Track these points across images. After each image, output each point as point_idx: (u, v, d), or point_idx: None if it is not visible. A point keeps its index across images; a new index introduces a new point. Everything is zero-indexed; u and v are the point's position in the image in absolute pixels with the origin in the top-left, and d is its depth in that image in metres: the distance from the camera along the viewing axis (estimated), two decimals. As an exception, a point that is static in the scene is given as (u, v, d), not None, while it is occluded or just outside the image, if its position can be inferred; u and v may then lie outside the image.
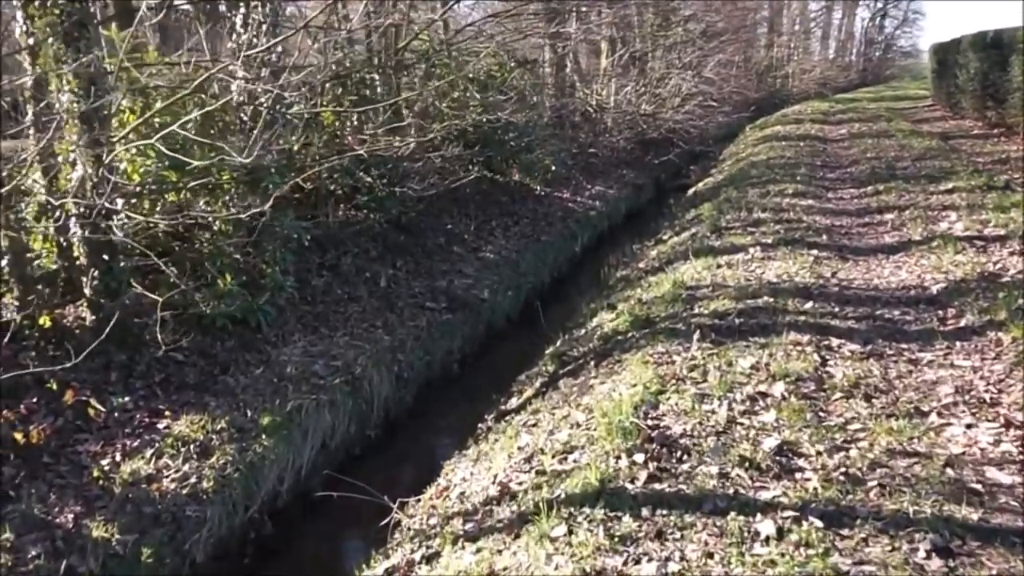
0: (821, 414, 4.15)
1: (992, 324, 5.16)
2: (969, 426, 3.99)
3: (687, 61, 21.02)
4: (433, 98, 12.18)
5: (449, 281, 10.03)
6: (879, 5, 53.17)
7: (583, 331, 7.03)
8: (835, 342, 5.11)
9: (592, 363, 5.66)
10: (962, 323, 5.31)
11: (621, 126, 19.09)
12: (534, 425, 5.04)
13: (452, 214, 12.34)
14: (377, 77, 11.51)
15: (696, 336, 5.23)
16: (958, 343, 5.02)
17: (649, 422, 4.14)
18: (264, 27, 8.40)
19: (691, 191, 15.60)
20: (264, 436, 6.05)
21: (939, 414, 4.14)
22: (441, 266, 10.53)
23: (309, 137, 9.80)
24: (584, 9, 18.05)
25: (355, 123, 10.71)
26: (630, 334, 5.85)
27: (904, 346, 5.06)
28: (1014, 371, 4.53)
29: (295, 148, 9.29)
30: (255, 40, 8.66)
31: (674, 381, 4.64)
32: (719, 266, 7.26)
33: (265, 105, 8.47)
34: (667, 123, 19.57)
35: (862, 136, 17.70)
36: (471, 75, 13.51)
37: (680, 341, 5.30)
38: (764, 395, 4.35)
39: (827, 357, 4.90)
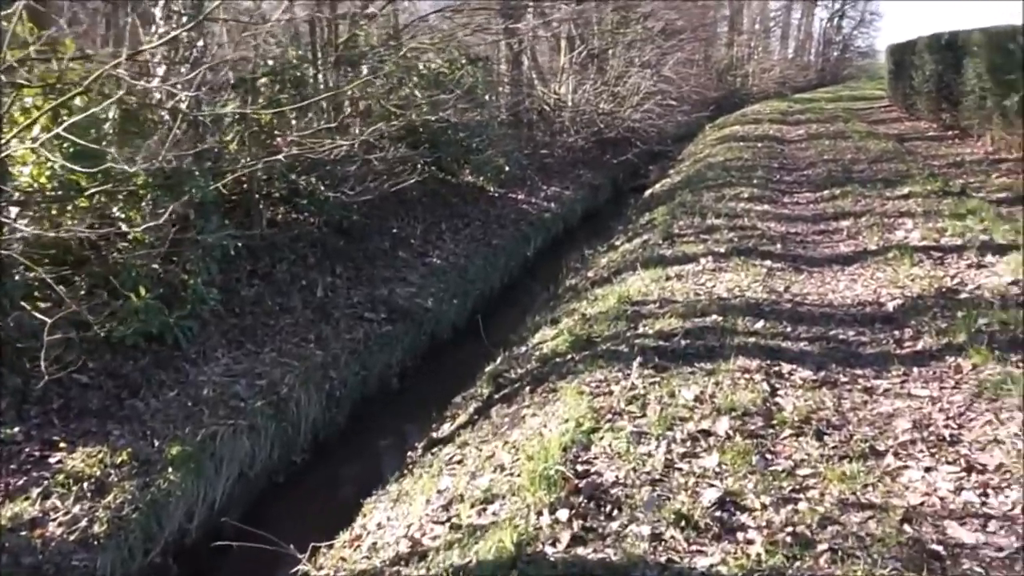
0: (768, 456, 3.73)
1: (951, 348, 4.79)
2: (928, 469, 3.59)
3: (646, 59, 20.65)
4: (379, 96, 11.64)
5: (391, 289, 9.51)
6: (837, 6, 53.51)
7: (524, 348, 6.57)
8: (786, 368, 4.70)
9: (527, 389, 5.20)
10: (919, 346, 4.94)
11: (579, 125, 18.65)
12: (459, 462, 4.57)
13: (399, 217, 11.80)
14: (320, 74, 10.93)
15: (637, 362, 4.79)
16: (915, 369, 4.64)
17: (579, 467, 3.69)
18: (184, 19, 7.82)
19: (648, 192, 15.23)
20: (171, 469, 5.49)
21: (896, 454, 3.74)
22: (384, 273, 10.00)
23: (242, 137, 9.22)
24: (542, 5, 17.59)
25: (293, 123, 10.13)
26: (569, 356, 5.40)
27: (859, 372, 4.67)
28: (974, 403, 4.15)
29: (221, 149, 8.71)
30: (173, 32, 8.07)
31: (610, 416, 4.19)
32: (668, 278, 6.84)
33: (185, 103, 7.88)
34: (626, 122, 19.19)
35: (819, 137, 17.48)
36: (420, 72, 12.99)
37: (621, 366, 4.86)
38: (707, 433, 3.92)
39: (777, 386, 4.49)
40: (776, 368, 4.70)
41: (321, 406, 7.20)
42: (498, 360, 6.72)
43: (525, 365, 5.86)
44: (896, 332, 5.22)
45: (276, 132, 8.91)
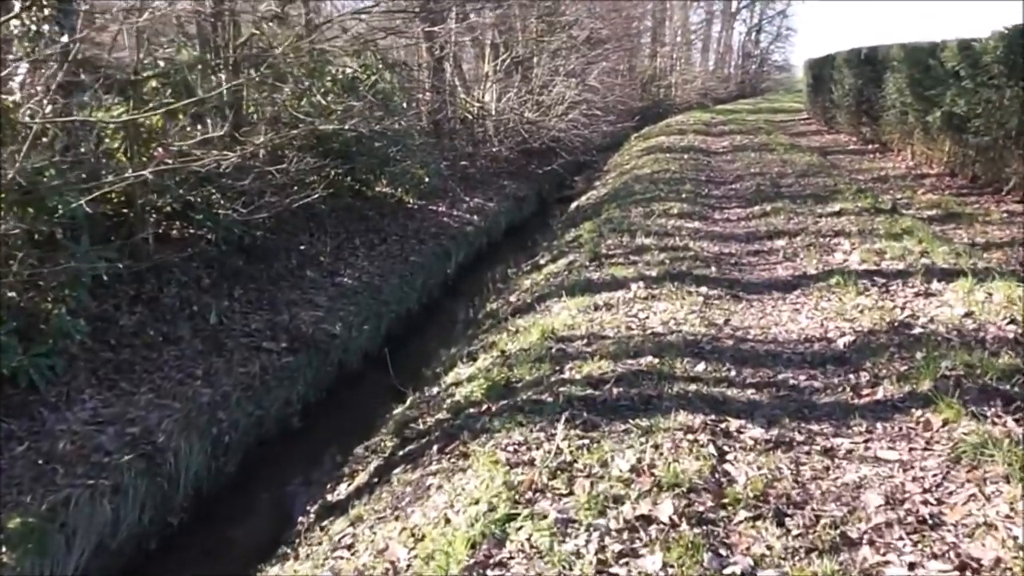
0: (722, 552, 3.00)
1: (915, 397, 4.18)
2: (912, 566, 2.92)
3: (571, 68, 20.07)
4: (286, 103, 10.65)
5: (295, 314, 8.53)
6: (755, 20, 54.44)
7: (436, 389, 5.74)
8: (734, 424, 4.00)
9: (435, 448, 4.37)
10: (880, 394, 4.31)
11: (503, 134, 17.92)
12: (350, 547, 3.71)
13: (309, 232, 10.80)
14: (218, 78, 9.87)
15: (563, 420, 4.02)
16: (879, 424, 4.00)
17: (490, 573, 2.89)
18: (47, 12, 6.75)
19: (574, 205, 14.58)
20: (8, 546, 4.48)
21: (871, 543, 3.06)
22: (289, 295, 9.00)
23: (128, 147, 8.14)
24: (463, 9, 16.79)
25: (188, 131, 9.05)
26: (485, 407, 4.59)
27: (815, 428, 4.01)
28: (952, 470, 3.52)
29: (97, 160, 7.62)
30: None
31: (531, 494, 3.40)
32: (597, 308, 6.11)
33: (49, 107, 6.79)
34: (551, 132, 18.52)
35: (744, 149, 17.18)
36: (333, 77, 12.03)
37: (544, 423, 4.08)
38: (648, 520, 3.17)
39: (726, 448, 3.77)
40: (723, 424, 3.99)
41: (206, 455, 6.20)
42: (407, 403, 5.86)
43: (435, 414, 5.03)
44: (851, 376, 4.59)
45: (163, 142, 7.85)
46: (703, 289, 6.40)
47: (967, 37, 11.16)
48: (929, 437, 3.82)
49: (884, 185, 12.19)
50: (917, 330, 5.12)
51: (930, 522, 3.18)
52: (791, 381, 4.58)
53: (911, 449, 3.75)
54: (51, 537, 4.78)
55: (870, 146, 17.14)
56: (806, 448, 3.81)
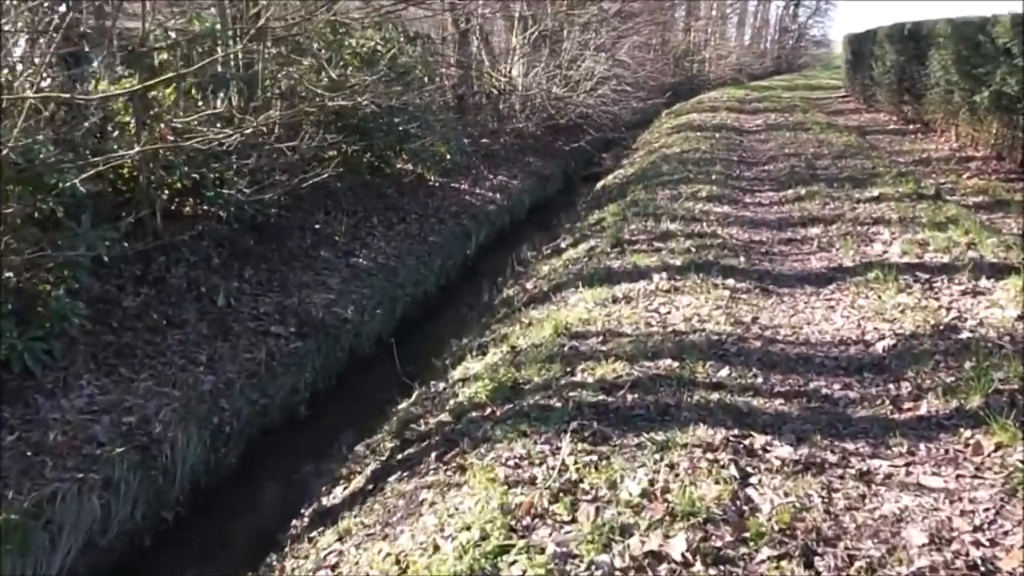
0: (742, 599, 2.63)
1: (964, 415, 3.74)
2: (962, 624, 2.54)
3: (601, 42, 19.44)
4: (303, 76, 10.28)
5: (307, 296, 8.24)
6: (793, -6, 52.84)
7: (443, 385, 5.39)
8: (759, 440, 3.60)
9: (433, 455, 4.03)
10: (923, 409, 3.88)
11: (529, 110, 17.42)
12: (333, 567, 3.40)
13: (326, 210, 10.48)
14: (232, 51, 9.53)
15: (570, 432, 3.65)
16: (922, 445, 3.58)
17: (477, 619, 2.56)
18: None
19: (600, 184, 14.09)
20: (-12, 545, 4.25)
21: (915, 592, 2.68)
22: (301, 276, 8.70)
23: (138, 123, 7.85)
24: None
25: (199, 106, 8.73)
26: (489, 410, 4.24)
27: (850, 447, 3.60)
28: (1006, 505, 3.10)
29: (102, 136, 7.36)
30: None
31: (529, 519, 3.05)
32: (616, 300, 5.70)
33: (48, 81, 6.51)
34: (578, 108, 17.97)
35: (779, 128, 16.52)
36: (353, 50, 11.62)
37: (549, 433, 3.72)
38: (657, 557, 2.80)
39: (749, 470, 3.38)
40: (747, 441, 3.60)
41: (205, 446, 5.94)
42: (413, 397, 5.53)
43: (438, 414, 4.68)
44: (891, 386, 4.15)
45: (166, 118, 7.53)
46: (730, 281, 5.96)
47: (1020, 12, 10.45)
48: (979, 463, 3.40)
49: (926, 168, 11.56)
50: (965, 334, 4.65)
51: (982, 568, 2.77)
52: (824, 390, 4.16)
53: (959, 476, 3.33)
54: (35, 535, 4.55)
55: (911, 126, 16.38)
56: (839, 471, 3.40)
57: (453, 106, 15.82)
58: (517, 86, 17.55)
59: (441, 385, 5.38)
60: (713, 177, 10.57)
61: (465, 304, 9.29)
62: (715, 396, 4.03)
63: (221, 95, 9.34)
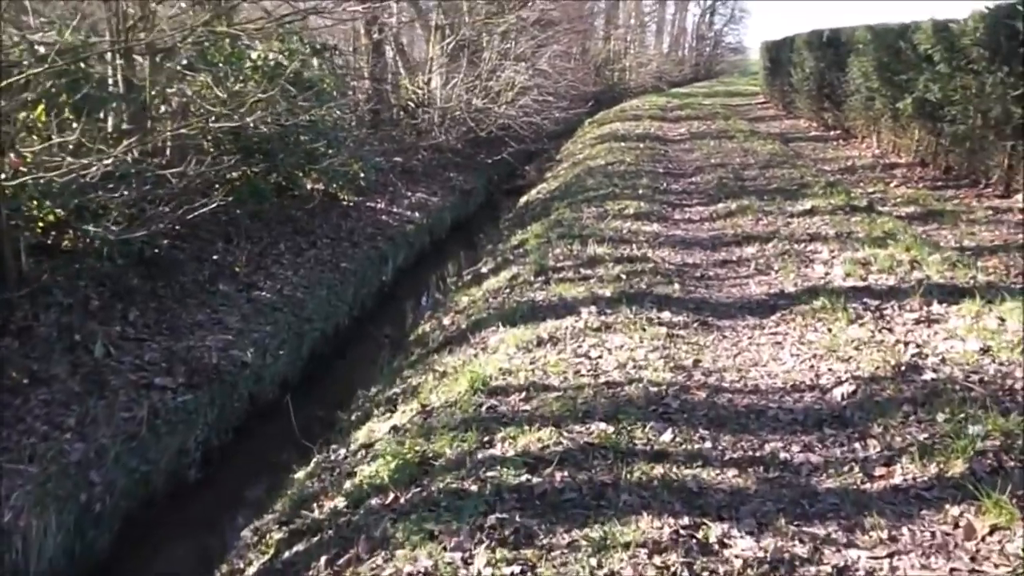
0: None
1: (946, 484, 3.18)
2: None
3: (521, 51, 18.87)
4: (194, 93, 9.35)
5: (200, 339, 7.31)
6: (708, 2, 53.62)
7: (343, 452, 4.61)
8: (714, 531, 2.96)
9: (324, 559, 3.26)
10: (898, 477, 3.30)
11: (449, 123, 16.69)
12: None
13: (227, 238, 9.51)
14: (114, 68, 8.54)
15: (487, 531, 2.94)
16: (904, 528, 2.99)
17: None
18: None
19: (524, 199, 13.46)
20: None
21: None
22: (196, 315, 7.75)
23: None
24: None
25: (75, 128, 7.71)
26: (391, 497, 3.49)
27: (820, 532, 2.98)
28: (1016, 610, 2.54)
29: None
30: None
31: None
32: (540, 342, 5.03)
33: None
34: (500, 119, 17.33)
35: (703, 136, 16.23)
36: (254, 64, 10.69)
37: (461, 535, 3.00)
38: None
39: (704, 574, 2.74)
40: (700, 534, 2.95)
41: (69, 532, 5.01)
42: (311, 466, 4.73)
43: (334, 495, 3.90)
44: (857, 445, 3.58)
45: (17, 147, 6.52)
46: (666, 315, 5.35)
47: (941, 18, 10.28)
48: (974, 551, 2.83)
49: (853, 177, 11.32)
50: (928, 375, 4.13)
51: None
52: (782, 454, 3.55)
53: (953, 572, 2.75)
54: None
55: (832, 132, 16.32)
56: (813, 569, 2.78)
57: (368, 121, 14.98)
58: (436, 98, 16.80)
59: (342, 452, 4.60)
60: (640, 192, 10.05)
61: (379, 339, 8.51)
62: (659, 470, 3.37)
63: (102, 115, 8.33)
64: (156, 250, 8.01)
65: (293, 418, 5.30)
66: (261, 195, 10.17)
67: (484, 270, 8.30)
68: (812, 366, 4.44)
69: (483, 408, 4.13)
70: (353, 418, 5.40)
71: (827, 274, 6.12)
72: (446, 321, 6.60)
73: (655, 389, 4.16)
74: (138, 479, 5.68)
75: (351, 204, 12.17)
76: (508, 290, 6.55)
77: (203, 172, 8.00)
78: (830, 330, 4.91)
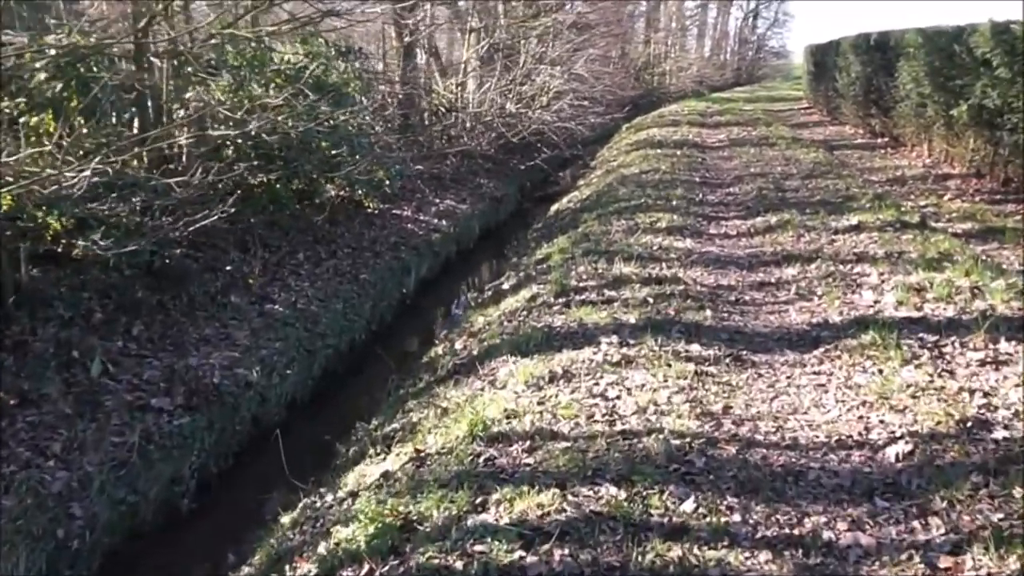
0: None
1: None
2: None
3: (556, 55, 18.31)
4: (214, 98, 8.99)
5: (205, 355, 6.92)
6: (752, 5, 52.38)
7: (330, 498, 4.12)
8: (741, 639, 2.41)
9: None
10: (968, 573, 2.70)
11: (481, 128, 16.21)
12: None
13: (244, 247, 9.13)
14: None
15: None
16: (979, 644, 2.41)
17: None
18: None
19: (554, 208, 12.90)
20: None
21: None
22: (204, 330, 7.36)
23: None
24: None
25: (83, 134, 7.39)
26: (365, 568, 2.99)
27: (874, 645, 2.41)
28: None
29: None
30: None
31: None
32: (552, 378, 4.48)
33: None
34: (534, 124, 16.80)
35: (743, 144, 15.49)
36: (277, 68, 10.31)
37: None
38: None
39: None
40: (723, 642, 2.40)
41: (39, 573, 4.61)
42: (296, 512, 4.25)
43: (311, 555, 3.41)
44: (916, 524, 2.97)
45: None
46: (695, 348, 4.77)
47: (1000, 20, 9.49)
48: None
49: (902, 188, 10.55)
50: (1000, 433, 3.50)
51: None
52: (826, 533, 2.96)
53: None
54: None
55: (880, 140, 15.46)
56: None
57: (398, 126, 14.56)
58: (468, 102, 16.33)
59: (328, 498, 4.11)
60: (674, 203, 9.44)
61: (396, 355, 8.04)
62: (676, 552, 2.81)
63: (113, 120, 8.01)
64: (167, 260, 7.66)
65: (283, 455, 4.83)
66: (280, 202, 9.77)
67: (506, 286, 7.77)
68: (861, 416, 3.83)
69: (480, 459, 3.60)
70: (349, 454, 4.92)
71: (876, 302, 5.47)
72: (458, 345, 6.08)
73: (677, 442, 3.59)
74: (124, 511, 5.27)
75: (376, 211, 11.74)
76: (525, 312, 6.01)
77: (211, 180, 7.62)
78: (881, 371, 4.28)
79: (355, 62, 11.77)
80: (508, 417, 4.01)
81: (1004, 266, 6.47)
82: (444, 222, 12.50)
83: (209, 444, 6.13)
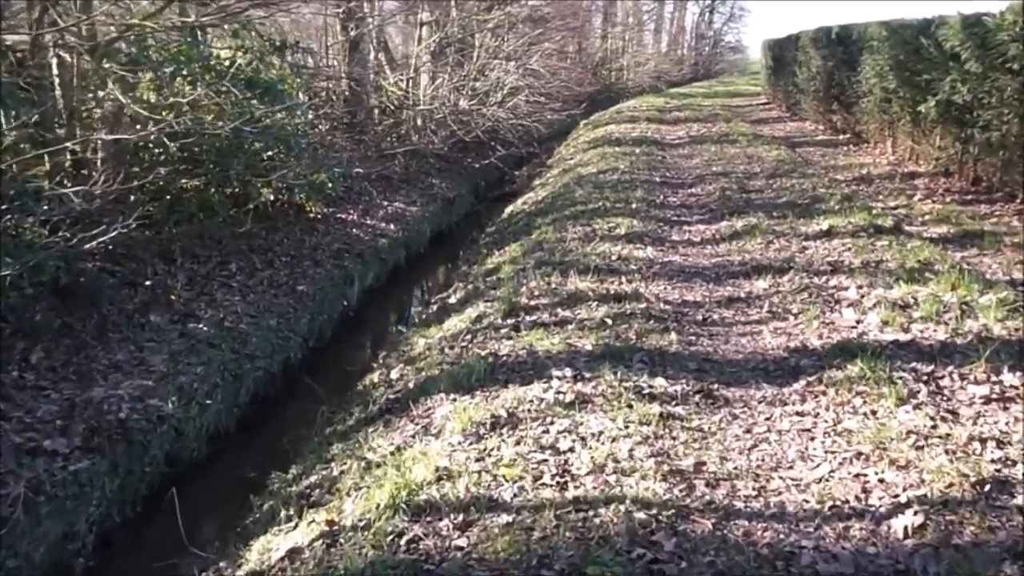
0: None
1: None
2: None
3: (511, 50, 17.60)
4: (123, 94, 8.10)
5: (114, 385, 6.10)
6: (708, 1, 52.25)
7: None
8: None
9: None
10: None
11: (434, 125, 15.45)
12: None
13: (169, 258, 8.29)
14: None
15: None
16: None
17: None
18: None
19: (508, 210, 12.20)
20: None
21: None
22: (116, 354, 6.52)
23: None
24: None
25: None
26: None
27: None
28: None
29: None
30: None
31: None
32: (495, 424, 3.80)
33: None
34: (488, 122, 16.08)
35: (703, 141, 14.97)
36: (206, 64, 9.44)
37: None
38: None
39: None
40: None
41: None
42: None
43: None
44: (940, 632, 2.37)
45: None
46: (659, 383, 4.12)
47: (970, 12, 9.03)
48: None
49: (870, 188, 10.08)
50: (1021, 499, 2.91)
51: None
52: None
53: None
54: None
55: (842, 136, 15.07)
56: None
57: (344, 124, 13.73)
58: (419, 99, 15.54)
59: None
60: (633, 206, 8.81)
61: (333, 377, 7.29)
62: None
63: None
64: (81, 276, 6.83)
65: (179, 519, 4.08)
66: (211, 209, 8.91)
67: (452, 300, 7.06)
68: (857, 474, 3.21)
69: (402, 541, 2.90)
70: (261, 511, 4.18)
71: (859, 322, 4.88)
72: (394, 374, 5.35)
73: (642, 515, 2.93)
74: (0, 580, 4.47)
75: (319, 216, 10.94)
76: (469, 336, 5.31)
77: (123, 187, 6.77)
78: (874, 413, 3.67)
79: (291, 57, 10.94)
80: (440, 479, 3.31)
81: (989, 276, 5.95)
82: (392, 226, 11.74)
83: (111, 491, 5.33)
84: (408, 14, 17.39)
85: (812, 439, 3.55)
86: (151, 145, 8.18)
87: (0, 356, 5.92)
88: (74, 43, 7.47)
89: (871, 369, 4.03)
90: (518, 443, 3.58)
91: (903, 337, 4.55)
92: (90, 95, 8.11)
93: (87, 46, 7.51)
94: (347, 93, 14.22)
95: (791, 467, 3.34)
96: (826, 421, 3.69)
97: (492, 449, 3.55)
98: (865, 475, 3.20)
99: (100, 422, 5.63)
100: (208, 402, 6.40)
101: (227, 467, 6.04)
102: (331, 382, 7.09)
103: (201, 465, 6.06)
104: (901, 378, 3.95)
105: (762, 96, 26.05)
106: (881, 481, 3.13)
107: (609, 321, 5.10)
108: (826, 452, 3.42)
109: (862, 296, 5.35)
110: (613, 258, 6.69)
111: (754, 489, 3.17)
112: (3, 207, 6.01)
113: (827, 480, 3.21)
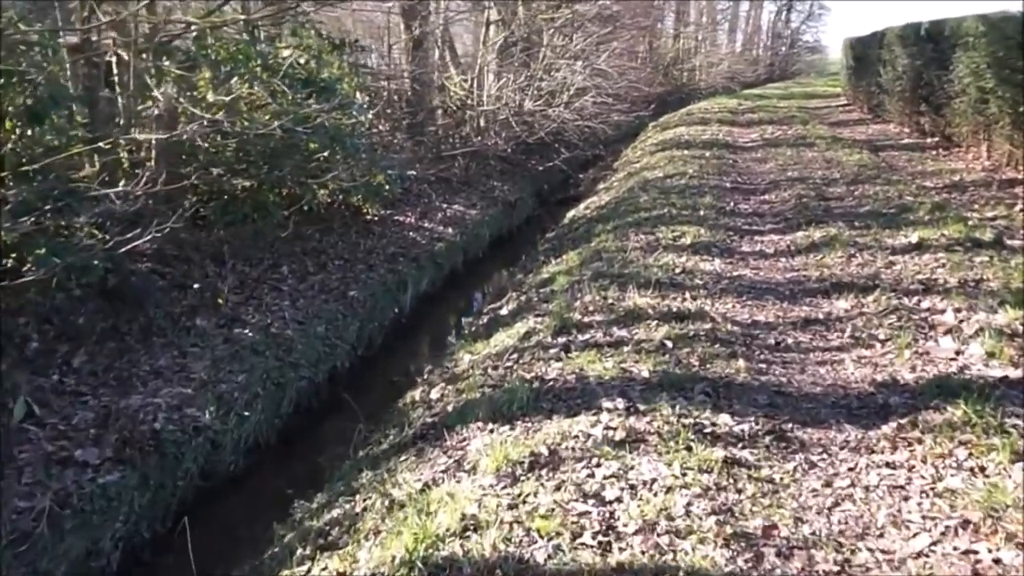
0: None
1: None
2: None
3: (578, 49, 17.08)
4: (179, 94, 7.95)
5: (153, 392, 5.89)
6: (785, -1, 50.52)
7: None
8: None
9: None
10: None
11: (496, 127, 15.06)
12: None
13: (220, 260, 8.12)
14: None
15: None
16: None
17: None
18: None
19: (570, 215, 11.70)
20: None
21: None
22: (159, 360, 6.33)
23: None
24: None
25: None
26: None
27: None
28: None
29: None
30: None
31: None
32: (534, 463, 3.35)
33: None
34: (554, 123, 15.61)
35: (778, 144, 14.16)
36: (264, 62, 9.25)
37: None
38: None
39: None
40: None
41: None
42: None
43: None
44: None
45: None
46: (723, 421, 3.60)
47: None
48: None
49: (963, 196, 9.21)
50: None
51: None
52: None
53: None
54: None
55: (929, 140, 14.03)
56: None
57: (405, 125, 13.47)
58: (483, 100, 15.18)
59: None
60: (701, 213, 8.21)
61: (378, 389, 6.96)
62: None
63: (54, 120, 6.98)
64: (133, 276, 6.68)
65: (191, 552, 3.75)
66: (266, 209, 8.70)
67: (504, 312, 6.63)
68: (966, 551, 2.64)
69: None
70: (279, 546, 3.83)
71: (959, 353, 4.24)
72: (435, 394, 4.95)
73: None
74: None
75: (375, 219, 10.68)
76: (516, 355, 4.86)
77: (172, 188, 6.57)
78: (983, 469, 3.07)
79: (351, 56, 10.70)
80: (465, 529, 2.88)
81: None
82: (451, 229, 11.39)
83: (141, 506, 5.09)
84: (473, 13, 17.06)
85: (906, 499, 2.98)
86: (206, 144, 8.03)
87: (42, 360, 5.78)
88: (131, 42, 7.34)
89: (977, 413, 3.42)
90: (558, 488, 3.12)
91: (1013, 373, 3.90)
92: (147, 93, 7.96)
93: (145, 44, 7.39)
94: (409, 93, 13.96)
95: (881, 535, 2.79)
96: (923, 477, 3.11)
97: (528, 495, 3.10)
98: (975, 552, 2.62)
99: (133, 432, 5.40)
100: (247, 413, 6.13)
101: (263, 483, 5.75)
102: (376, 393, 6.75)
103: (237, 479, 5.79)
104: (1016, 426, 3.33)
105: (842, 97, 24.82)
106: (997, 562, 2.55)
107: (669, 343, 4.58)
108: (924, 518, 2.84)
109: (961, 321, 4.69)
110: (677, 271, 6.14)
111: (836, 563, 2.63)
112: (46, 207, 5.84)
113: (927, 556, 2.64)
